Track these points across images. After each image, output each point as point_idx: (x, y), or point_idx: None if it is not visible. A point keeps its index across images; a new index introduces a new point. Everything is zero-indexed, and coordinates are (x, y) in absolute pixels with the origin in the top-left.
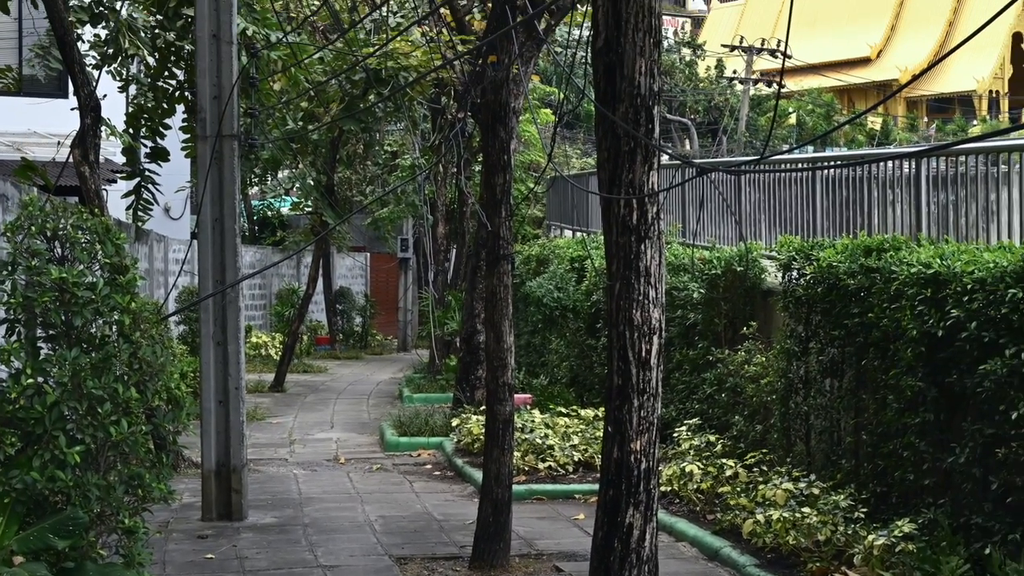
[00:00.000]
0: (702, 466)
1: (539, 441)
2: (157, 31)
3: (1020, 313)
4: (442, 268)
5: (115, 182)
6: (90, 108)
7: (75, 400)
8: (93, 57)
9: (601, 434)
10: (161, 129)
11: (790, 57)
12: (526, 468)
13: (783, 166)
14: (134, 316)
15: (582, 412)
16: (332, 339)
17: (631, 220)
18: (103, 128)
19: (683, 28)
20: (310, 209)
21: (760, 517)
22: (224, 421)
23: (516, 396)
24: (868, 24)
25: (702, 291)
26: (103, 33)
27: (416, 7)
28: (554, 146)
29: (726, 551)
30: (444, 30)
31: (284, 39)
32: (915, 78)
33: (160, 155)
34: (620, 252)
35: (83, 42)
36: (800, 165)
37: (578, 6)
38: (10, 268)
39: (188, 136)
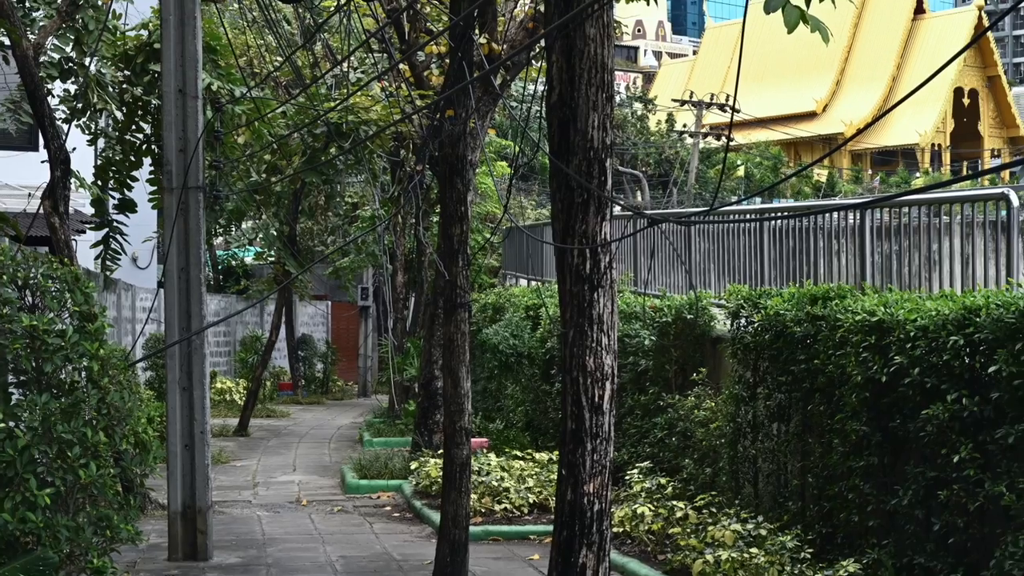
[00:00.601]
0: (653, 508)
1: (495, 483)
2: (125, 86)
3: (961, 360)
4: (401, 316)
5: (84, 232)
6: (60, 161)
7: (45, 444)
8: (63, 111)
9: (555, 477)
10: (129, 181)
11: (739, 111)
12: (482, 510)
13: (732, 217)
14: (102, 362)
15: (537, 455)
16: (294, 385)
17: (584, 269)
18: (72, 180)
19: (635, 83)
20: (273, 259)
21: (709, 557)
22: (190, 464)
23: (473, 440)
24: (814, 79)
25: (653, 338)
26: (72, 88)
27: (376, 63)
28: (510, 197)
29: None
30: (403, 85)
31: (248, 94)
32: (859, 132)
33: (128, 206)
34: (574, 300)
35: (53, 97)
36: (748, 216)
37: (533, 62)
38: None
39: (155, 188)
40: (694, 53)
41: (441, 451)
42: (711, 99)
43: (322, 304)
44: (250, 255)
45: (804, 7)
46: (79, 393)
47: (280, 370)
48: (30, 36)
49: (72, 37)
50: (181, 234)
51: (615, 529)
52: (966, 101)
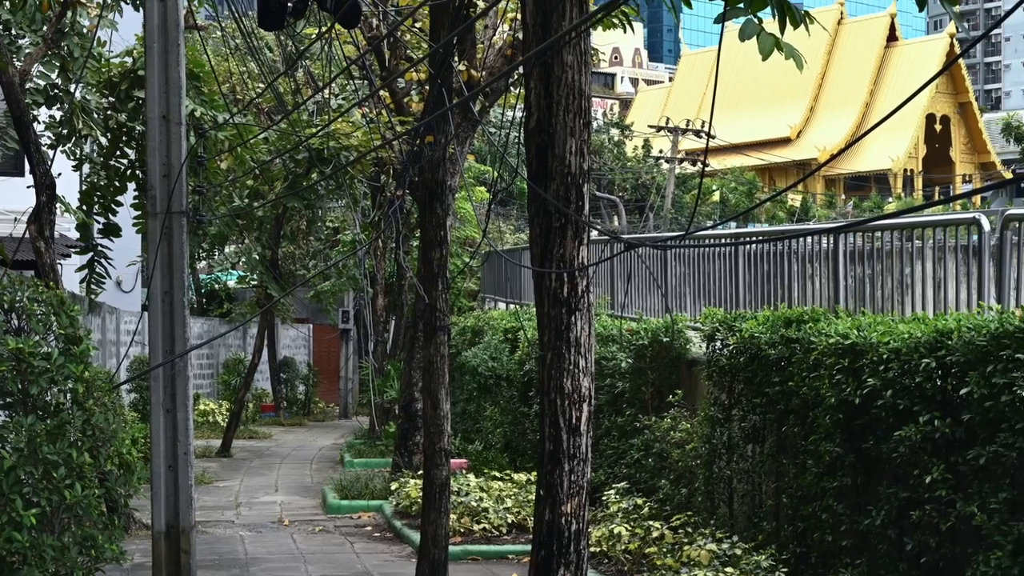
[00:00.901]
0: (630, 528)
1: (474, 504)
2: (109, 112)
3: (933, 382)
4: (381, 339)
5: (69, 256)
6: (45, 186)
7: (31, 465)
8: (48, 137)
9: (533, 497)
10: (113, 206)
11: (714, 137)
12: (462, 530)
13: (707, 241)
14: (87, 385)
15: (515, 476)
16: (277, 406)
17: (562, 293)
18: (58, 205)
19: (612, 109)
20: (255, 282)
21: None
22: (173, 485)
23: (452, 461)
24: (788, 106)
25: (630, 361)
26: (58, 115)
27: (357, 90)
28: (489, 222)
29: None
30: (383, 111)
31: (231, 120)
32: (833, 157)
33: (112, 231)
34: (552, 323)
35: (39, 123)
36: (723, 240)
37: (512, 89)
38: None
39: (139, 213)
40: (670, 80)
41: (421, 472)
42: (687, 125)
43: (304, 327)
44: (233, 279)
45: (778, 35)
46: (64, 415)
47: (262, 392)
48: (16, 63)
49: (57, 64)
50: (165, 258)
51: (592, 549)
52: (938, 127)
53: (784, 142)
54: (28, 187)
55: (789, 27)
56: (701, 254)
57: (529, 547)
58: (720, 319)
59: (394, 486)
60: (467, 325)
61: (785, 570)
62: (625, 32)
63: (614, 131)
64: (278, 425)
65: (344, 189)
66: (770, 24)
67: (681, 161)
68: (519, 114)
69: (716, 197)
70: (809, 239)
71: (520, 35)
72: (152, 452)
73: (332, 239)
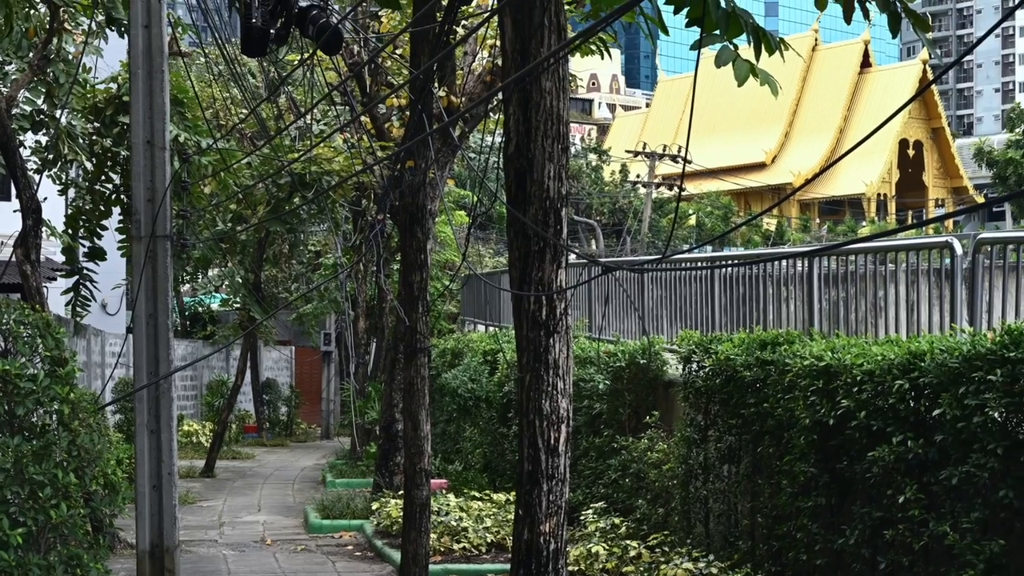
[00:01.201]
0: (607, 547)
1: (454, 523)
2: (95, 138)
3: (906, 403)
4: (363, 361)
5: (55, 279)
6: (32, 210)
7: (17, 485)
8: (34, 162)
9: (513, 517)
10: (98, 230)
11: (690, 162)
12: (442, 549)
13: (683, 265)
14: (73, 406)
15: (495, 496)
16: (259, 427)
17: (540, 316)
18: (44, 229)
19: (589, 134)
20: (238, 305)
21: None
22: (158, 504)
23: (432, 481)
24: (763, 131)
25: (607, 382)
26: (44, 140)
27: (338, 115)
28: (468, 246)
29: None
30: (365, 137)
31: (214, 145)
32: (807, 182)
33: (97, 254)
34: (530, 346)
35: (25, 148)
36: (699, 264)
37: (491, 114)
38: None
39: (124, 236)
40: (647, 106)
41: (401, 492)
42: (663, 150)
43: (286, 349)
44: (216, 301)
45: (754, 61)
46: (50, 436)
47: (245, 413)
48: (2, 89)
49: (43, 90)
50: (149, 281)
51: (570, 568)
52: (911, 152)
53: (759, 167)
54: (14, 211)
55: (764, 54)
56: (677, 277)
57: (508, 566)
58: (696, 341)
59: (375, 506)
60: (447, 347)
61: None
62: (603, 58)
63: (592, 156)
64: (261, 446)
65: (326, 213)
66: (746, 51)
67: (658, 186)
68: (498, 139)
69: (692, 221)
70: (784, 263)
71: (499, 61)
72: (137, 472)
73: (314, 262)
